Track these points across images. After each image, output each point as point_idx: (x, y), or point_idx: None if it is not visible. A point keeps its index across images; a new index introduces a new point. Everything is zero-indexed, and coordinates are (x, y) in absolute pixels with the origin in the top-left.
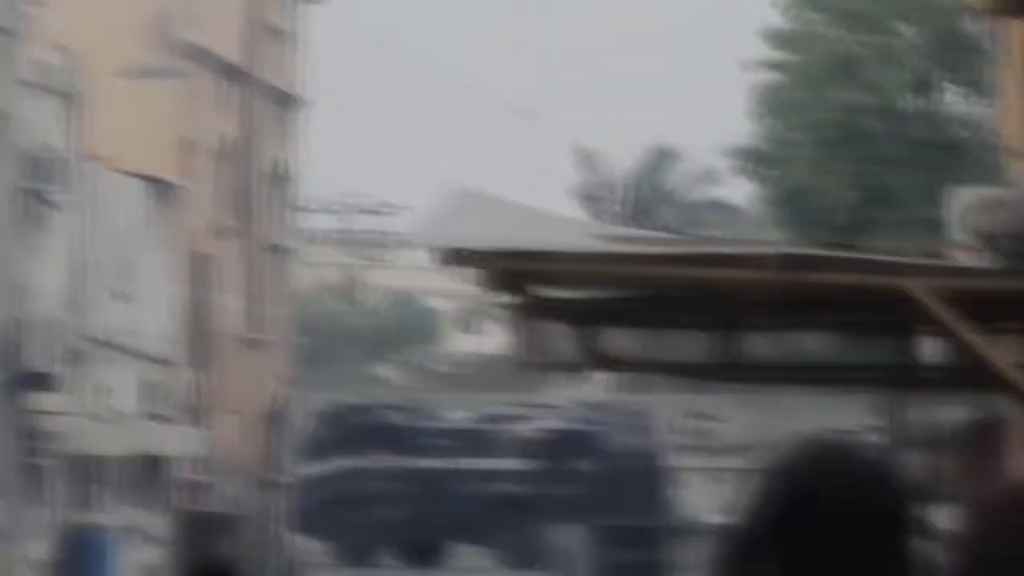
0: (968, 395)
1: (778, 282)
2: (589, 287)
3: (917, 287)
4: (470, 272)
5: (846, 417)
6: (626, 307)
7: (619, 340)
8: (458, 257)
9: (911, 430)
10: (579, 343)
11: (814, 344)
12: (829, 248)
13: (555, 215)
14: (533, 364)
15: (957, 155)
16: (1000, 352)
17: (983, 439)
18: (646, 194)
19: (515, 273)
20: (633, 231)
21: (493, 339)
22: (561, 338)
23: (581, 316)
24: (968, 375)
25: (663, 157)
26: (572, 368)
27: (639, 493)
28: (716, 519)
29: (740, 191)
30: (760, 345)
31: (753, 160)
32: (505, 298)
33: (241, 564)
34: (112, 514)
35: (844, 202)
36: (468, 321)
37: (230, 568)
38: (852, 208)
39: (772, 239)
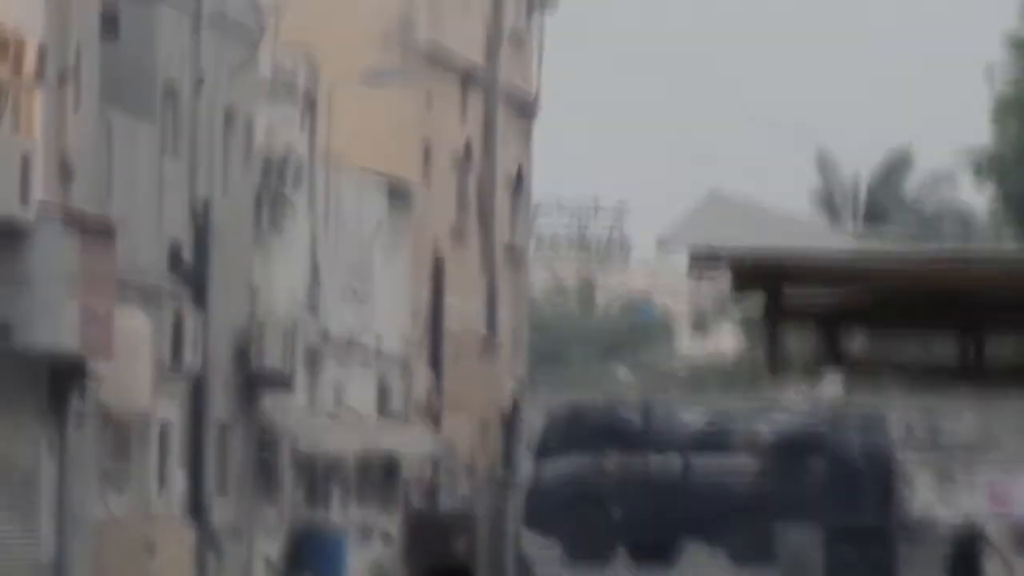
0: None
1: None
2: (841, 285)
3: None
4: (717, 274)
5: None
6: (871, 308)
7: (861, 341)
8: (712, 258)
9: None
10: (824, 344)
11: None
12: None
13: (806, 220)
14: (778, 365)
15: None
16: None
17: None
18: (882, 199)
19: (765, 274)
20: (888, 244)
21: (725, 341)
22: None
23: (828, 317)
24: None
25: (900, 161)
26: (817, 369)
27: (872, 493)
28: (947, 519)
29: (978, 197)
30: (1000, 348)
31: (993, 165)
32: (753, 299)
33: (475, 565)
34: (345, 514)
35: None
36: (701, 323)
37: (465, 569)
38: None
39: (1010, 247)
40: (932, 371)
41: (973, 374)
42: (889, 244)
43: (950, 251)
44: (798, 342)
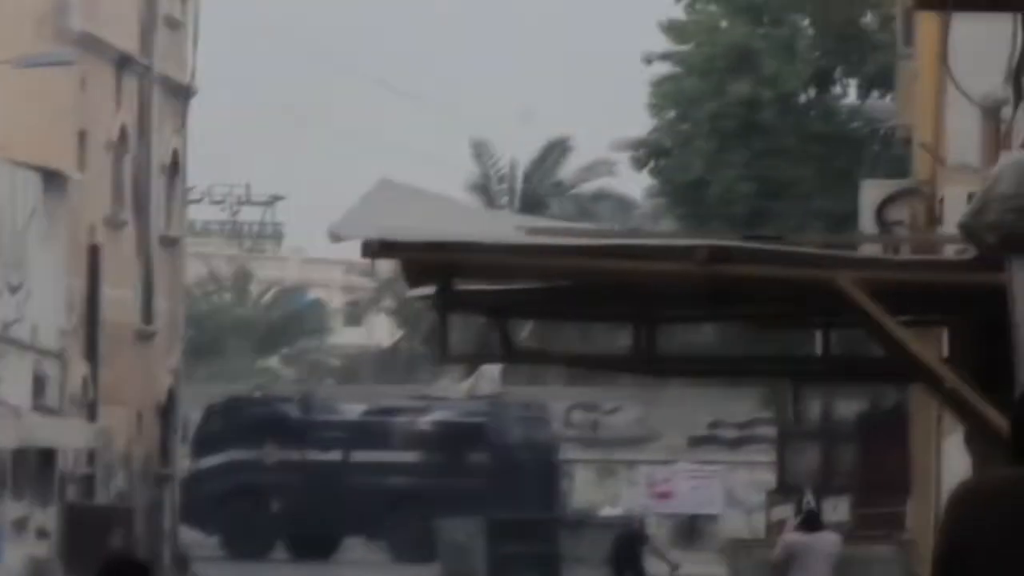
0: (870, 388)
1: (703, 274)
2: (512, 279)
3: (845, 279)
4: (371, 265)
5: (738, 409)
6: (541, 299)
7: (531, 332)
8: (383, 249)
9: (805, 422)
10: (495, 335)
11: (708, 338)
12: (751, 240)
13: (477, 208)
14: (451, 356)
15: (854, 148)
16: (924, 345)
17: (879, 431)
18: (539, 185)
19: (438, 265)
20: (557, 223)
21: (380, 331)
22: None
23: (498, 308)
24: (878, 368)
25: (556, 148)
26: (490, 360)
27: (532, 486)
28: (607, 513)
29: (635, 183)
30: (667, 338)
31: (649, 152)
32: (424, 290)
33: (149, 561)
34: (1, 508)
35: (740, 194)
36: (356, 314)
37: (142, 564)
38: (748, 200)
39: (669, 232)
40: (602, 361)
41: (645, 364)
42: (559, 232)
43: (631, 240)
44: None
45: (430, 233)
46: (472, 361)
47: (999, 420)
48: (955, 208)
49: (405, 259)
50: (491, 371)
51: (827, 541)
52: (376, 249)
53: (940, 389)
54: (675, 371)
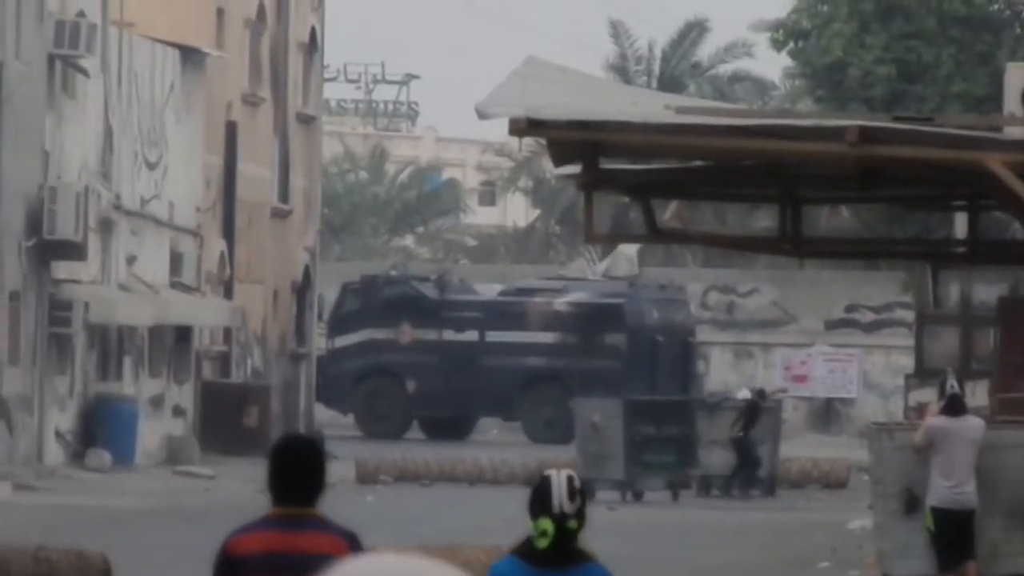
0: (1010, 272)
1: (854, 155)
2: (659, 158)
3: (994, 161)
4: (508, 144)
5: (874, 292)
6: (687, 179)
7: (671, 212)
8: (530, 127)
9: (944, 305)
10: (638, 214)
11: (845, 222)
12: (901, 121)
13: (625, 86)
14: (596, 235)
15: (994, 31)
16: None
17: (1020, 315)
18: (677, 66)
19: (584, 143)
20: (706, 103)
21: (515, 211)
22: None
23: (644, 188)
24: (1021, 251)
25: (694, 29)
26: (634, 239)
27: (669, 368)
28: (743, 395)
29: (773, 65)
30: (810, 220)
31: (788, 34)
32: (570, 168)
33: (268, 436)
34: (137, 385)
35: (879, 77)
36: (491, 193)
37: (315, 441)
38: (887, 83)
39: (815, 113)
40: (747, 242)
41: (790, 245)
42: (708, 111)
43: (782, 120)
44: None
45: (577, 111)
46: (616, 240)
47: None
48: None
49: (552, 137)
50: (627, 252)
51: (971, 426)
52: (523, 127)
53: None
54: (819, 252)
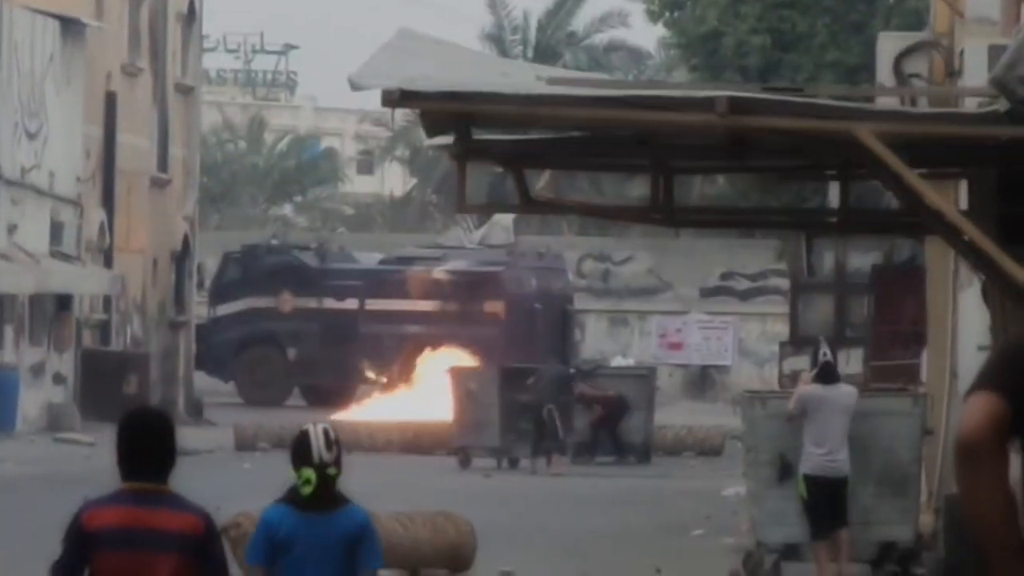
0: (884, 240)
1: (724, 125)
2: (531, 129)
3: (864, 132)
4: (384, 114)
5: (750, 260)
6: (560, 149)
7: (549, 182)
8: (402, 98)
9: (819, 273)
10: (511, 184)
11: (722, 190)
12: (771, 92)
13: (498, 57)
14: (468, 205)
15: (866, 1)
16: (943, 197)
17: (894, 283)
18: (552, 36)
19: (457, 114)
20: (578, 74)
21: (393, 180)
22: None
23: (517, 158)
24: (893, 220)
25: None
26: (507, 209)
27: (547, 335)
28: (618, 363)
29: (649, 35)
30: (684, 189)
31: (663, 4)
32: (443, 139)
33: (167, 410)
34: (17, 353)
35: (754, 46)
36: (369, 162)
37: (162, 413)
38: (762, 52)
39: (687, 83)
40: (620, 211)
41: (662, 214)
42: (580, 82)
43: (652, 91)
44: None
45: (450, 83)
46: (489, 210)
47: (1018, 272)
48: (974, 62)
49: (424, 108)
50: (503, 221)
51: (843, 393)
52: (396, 98)
53: (958, 241)
54: (691, 222)
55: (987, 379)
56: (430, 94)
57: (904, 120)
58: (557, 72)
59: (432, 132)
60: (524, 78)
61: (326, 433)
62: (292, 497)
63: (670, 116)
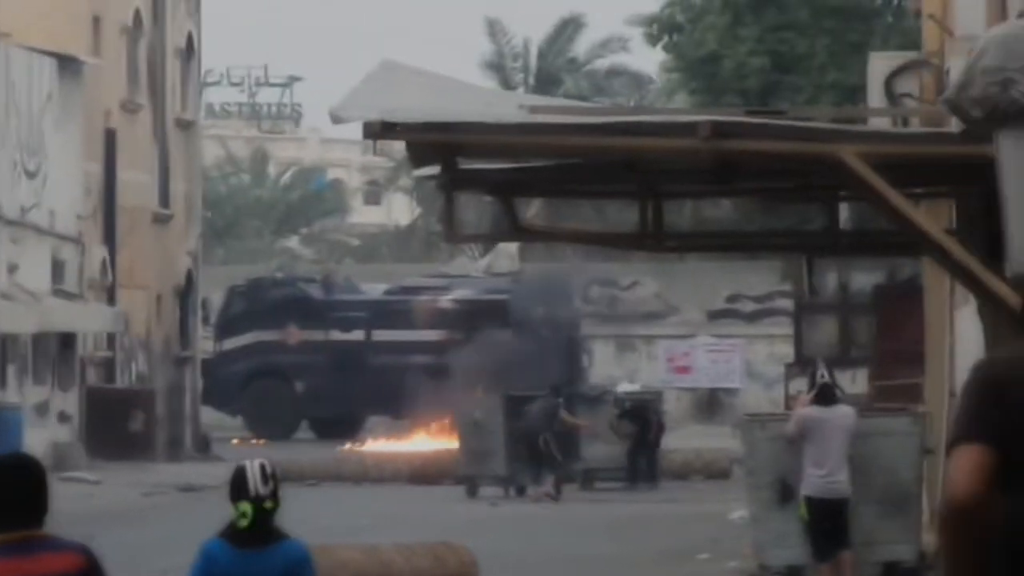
0: (886, 260)
1: (707, 150)
2: (515, 158)
3: (848, 153)
4: (388, 145)
5: (756, 282)
6: (549, 177)
7: (541, 210)
8: (385, 130)
9: (821, 294)
10: (502, 214)
11: (726, 212)
12: (755, 115)
13: (480, 86)
14: (457, 236)
15: (866, 21)
16: (927, 217)
17: (896, 302)
18: (553, 62)
19: (441, 145)
20: (561, 101)
21: (398, 210)
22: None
23: (505, 187)
24: (890, 240)
25: (570, 25)
26: (496, 239)
27: (554, 362)
28: (626, 388)
29: (650, 59)
30: (678, 214)
31: (662, 27)
32: (429, 170)
33: (153, 441)
34: (21, 392)
35: (753, 68)
36: (375, 193)
37: (34, 462)
38: (762, 74)
39: (673, 108)
40: (609, 238)
41: (651, 240)
42: (563, 110)
43: (634, 117)
44: (475, 211)
45: (431, 113)
46: (477, 240)
47: (1006, 291)
48: None
49: (407, 139)
50: (509, 248)
51: (842, 414)
52: (377, 130)
53: (948, 261)
54: (682, 247)
55: (969, 427)
56: (412, 125)
57: (887, 141)
58: (543, 101)
59: (418, 163)
60: (507, 107)
61: (263, 468)
62: (230, 532)
63: (654, 142)
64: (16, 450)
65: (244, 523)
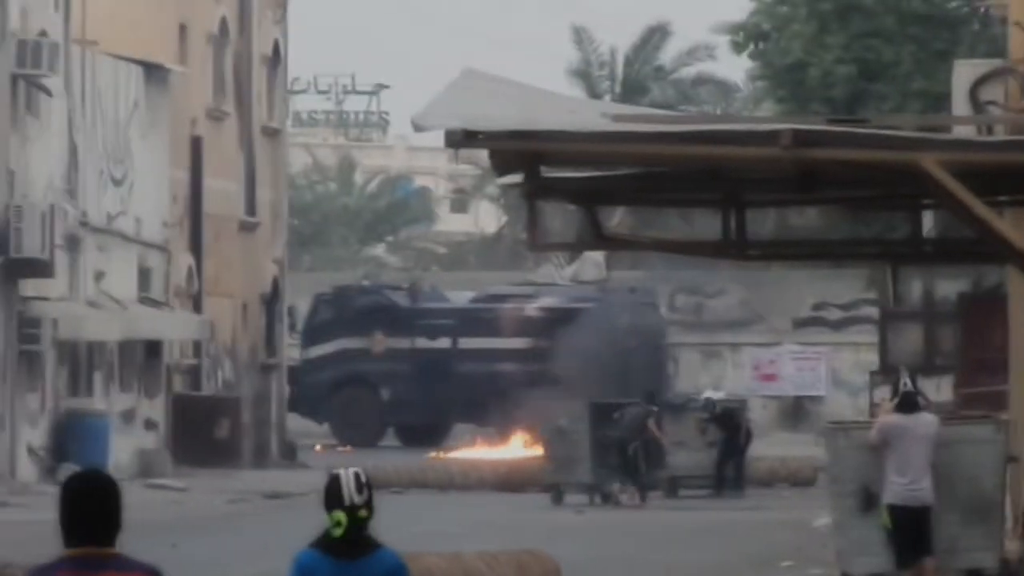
0: (971, 268)
1: (789, 158)
2: (597, 166)
3: (929, 161)
4: (475, 153)
5: (842, 290)
6: (632, 185)
7: (624, 219)
8: (467, 138)
9: (906, 302)
10: (586, 222)
11: (811, 220)
12: (837, 123)
13: (563, 95)
14: (541, 244)
15: (952, 28)
16: (1010, 225)
17: (981, 310)
18: (640, 71)
19: (524, 153)
20: (644, 110)
21: (485, 218)
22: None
23: (588, 195)
24: (974, 248)
25: (656, 33)
26: (579, 247)
27: (640, 370)
28: (712, 395)
29: (736, 67)
30: (761, 222)
31: (748, 35)
32: (513, 178)
33: (239, 449)
34: (108, 400)
35: (840, 76)
36: (461, 201)
37: (108, 477)
38: (848, 82)
39: (757, 117)
40: (692, 247)
41: (734, 248)
42: (645, 118)
43: (716, 125)
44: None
45: (513, 121)
46: (561, 249)
47: None
48: None
49: (488, 147)
50: (595, 256)
51: (924, 422)
52: (459, 138)
53: None
54: (766, 255)
55: None
56: (492, 133)
57: (970, 149)
58: (625, 109)
59: (501, 171)
60: (590, 115)
61: (357, 477)
62: (324, 541)
63: (735, 150)
64: (95, 464)
65: (338, 532)
